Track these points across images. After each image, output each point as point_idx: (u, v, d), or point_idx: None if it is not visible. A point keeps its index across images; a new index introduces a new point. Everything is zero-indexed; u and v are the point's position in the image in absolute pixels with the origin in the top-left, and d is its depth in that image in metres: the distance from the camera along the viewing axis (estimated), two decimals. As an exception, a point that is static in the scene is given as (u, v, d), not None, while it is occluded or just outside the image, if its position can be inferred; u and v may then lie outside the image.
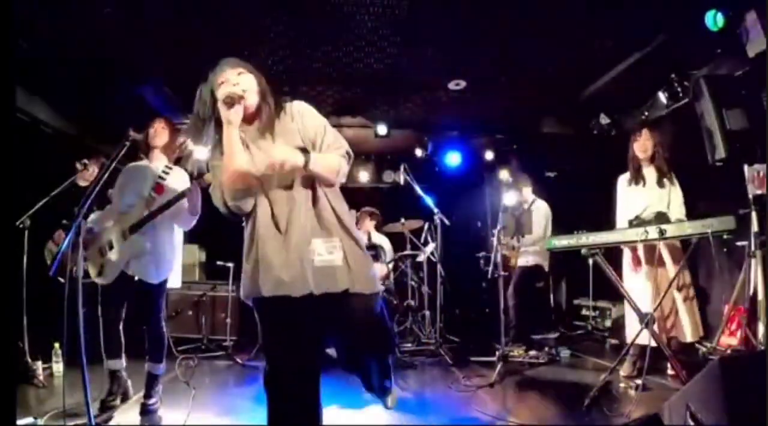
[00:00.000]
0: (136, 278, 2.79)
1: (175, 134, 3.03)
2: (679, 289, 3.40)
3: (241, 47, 3.79)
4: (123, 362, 2.91)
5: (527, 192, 4.95)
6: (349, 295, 1.69)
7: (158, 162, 2.98)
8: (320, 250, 1.66)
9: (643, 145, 3.56)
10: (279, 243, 1.67)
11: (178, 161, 3.05)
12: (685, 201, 3.49)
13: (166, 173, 2.93)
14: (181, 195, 2.80)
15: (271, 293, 1.64)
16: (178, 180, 2.95)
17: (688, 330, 3.38)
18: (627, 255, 3.63)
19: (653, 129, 3.62)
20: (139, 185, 2.89)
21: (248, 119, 1.75)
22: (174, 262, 3.03)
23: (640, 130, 3.60)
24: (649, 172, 3.59)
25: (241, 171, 1.65)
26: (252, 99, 1.72)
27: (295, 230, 1.67)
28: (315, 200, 1.73)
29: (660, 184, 3.53)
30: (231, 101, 1.64)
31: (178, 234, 3.07)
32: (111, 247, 2.81)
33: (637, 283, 3.51)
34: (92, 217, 2.96)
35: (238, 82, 1.70)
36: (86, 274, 2.71)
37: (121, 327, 2.86)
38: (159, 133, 2.94)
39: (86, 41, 3.63)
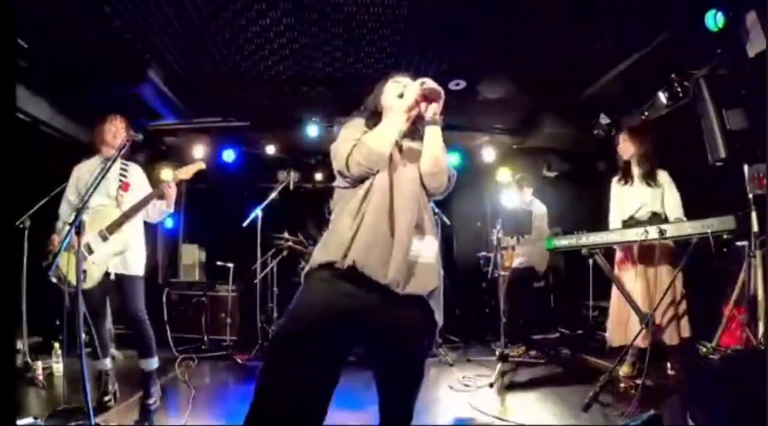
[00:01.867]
0: (114, 274, 2.82)
1: (128, 131, 3.01)
2: (669, 292, 3.40)
3: (242, 47, 3.80)
4: (109, 362, 2.93)
5: (528, 192, 4.95)
6: (427, 310, 1.69)
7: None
8: (418, 246, 1.68)
9: (622, 147, 3.67)
10: (387, 221, 1.66)
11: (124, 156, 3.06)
12: (685, 201, 3.49)
13: (125, 170, 3.01)
14: (155, 193, 2.90)
15: (360, 263, 1.57)
16: (137, 176, 3.06)
17: (671, 333, 3.38)
18: (618, 255, 3.65)
19: (634, 132, 3.68)
20: (104, 184, 2.87)
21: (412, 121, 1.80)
22: (144, 255, 3.08)
23: (618, 134, 3.72)
24: (638, 172, 3.64)
25: (383, 155, 1.69)
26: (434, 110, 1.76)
27: (403, 219, 1.66)
28: (423, 203, 1.77)
29: (649, 183, 3.56)
30: (431, 96, 1.71)
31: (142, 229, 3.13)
32: (91, 251, 2.81)
33: (629, 283, 3.51)
34: (59, 224, 2.97)
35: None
36: (69, 283, 2.68)
37: (107, 326, 2.88)
38: (120, 131, 2.96)
39: (86, 41, 3.63)
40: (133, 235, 2.94)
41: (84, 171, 3.00)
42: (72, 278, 2.77)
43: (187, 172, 3.03)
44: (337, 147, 1.75)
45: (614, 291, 3.60)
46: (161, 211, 3.06)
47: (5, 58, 1.83)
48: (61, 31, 3.48)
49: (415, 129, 1.83)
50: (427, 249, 1.71)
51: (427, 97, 1.73)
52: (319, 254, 1.68)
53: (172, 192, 2.95)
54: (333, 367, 1.60)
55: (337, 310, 1.58)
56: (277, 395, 1.53)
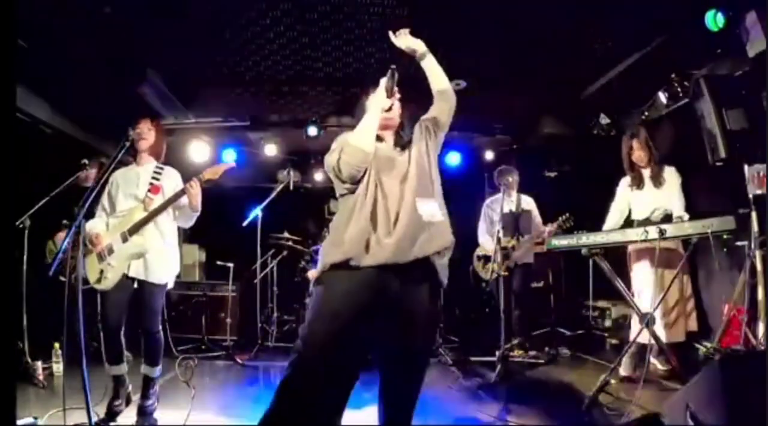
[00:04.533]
0: (136, 280, 2.77)
1: (161, 134, 3.01)
2: (676, 290, 3.41)
3: (242, 47, 3.80)
4: (125, 367, 2.89)
5: (513, 191, 4.90)
6: (433, 276, 1.81)
7: (148, 163, 2.96)
8: (425, 208, 1.82)
9: (638, 156, 3.62)
10: (383, 206, 1.79)
11: (166, 161, 3.06)
12: (686, 201, 3.50)
13: (159, 173, 2.93)
14: (181, 192, 2.81)
15: (360, 255, 1.69)
16: (171, 179, 2.97)
17: (678, 330, 3.39)
18: (631, 255, 3.64)
19: (648, 140, 3.62)
20: (133, 188, 2.87)
21: (388, 128, 2.03)
22: (175, 263, 3.00)
23: (631, 141, 3.64)
24: (648, 175, 3.63)
25: (366, 151, 1.83)
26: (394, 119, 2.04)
27: (398, 199, 1.82)
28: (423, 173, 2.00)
29: (657, 184, 3.56)
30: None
31: (174, 235, 3.02)
32: (111, 252, 2.76)
33: (640, 283, 3.51)
34: (87, 225, 2.85)
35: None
36: (85, 281, 2.65)
37: (122, 332, 2.82)
38: (145, 134, 2.90)
39: (86, 41, 3.63)
40: (156, 238, 2.82)
41: (118, 175, 2.92)
42: (91, 279, 2.76)
43: (214, 172, 2.88)
44: (327, 156, 1.90)
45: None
46: (187, 214, 2.92)
47: (5, 58, 1.83)
48: (61, 31, 3.48)
49: (397, 136, 2.04)
50: (429, 212, 1.83)
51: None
52: (327, 256, 1.77)
53: (195, 192, 2.80)
54: (356, 364, 1.72)
55: (356, 308, 1.67)
56: (300, 396, 1.63)
